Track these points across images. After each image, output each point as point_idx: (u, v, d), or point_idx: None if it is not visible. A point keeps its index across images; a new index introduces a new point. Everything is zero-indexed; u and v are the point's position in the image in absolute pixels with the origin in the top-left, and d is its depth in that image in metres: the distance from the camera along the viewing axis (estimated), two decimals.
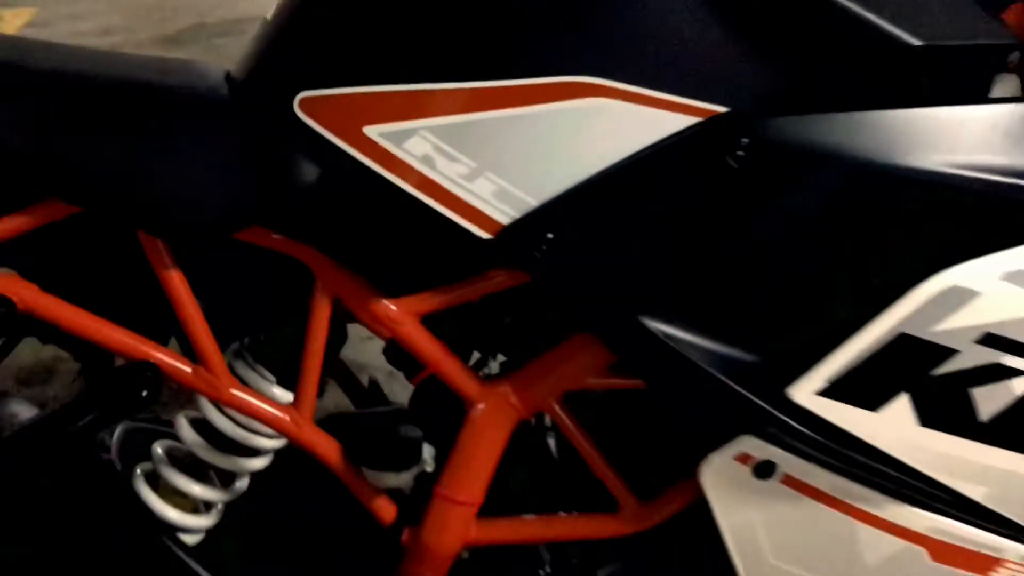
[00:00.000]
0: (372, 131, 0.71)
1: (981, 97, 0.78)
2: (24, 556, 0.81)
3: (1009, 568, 0.82)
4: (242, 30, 4.06)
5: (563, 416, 0.82)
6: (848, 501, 0.77)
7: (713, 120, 0.69)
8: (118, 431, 0.86)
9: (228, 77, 0.79)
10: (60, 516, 0.81)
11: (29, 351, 0.83)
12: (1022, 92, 0.85)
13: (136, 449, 0.85)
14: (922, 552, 0.80)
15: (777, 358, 0.71)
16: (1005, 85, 0.86)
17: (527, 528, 0.86)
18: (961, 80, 0.73)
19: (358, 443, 0.81)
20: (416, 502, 0.82)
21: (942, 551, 0.80)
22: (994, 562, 0.82)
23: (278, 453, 0.87)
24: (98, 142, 0.71)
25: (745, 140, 0.69)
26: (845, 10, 0.66)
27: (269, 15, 0.79)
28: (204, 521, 0.84)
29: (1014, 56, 0.77)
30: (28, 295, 0.74)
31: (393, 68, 0.71)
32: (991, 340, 0.69)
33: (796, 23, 0.68)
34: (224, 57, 3.74)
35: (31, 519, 0.81)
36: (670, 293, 0.73)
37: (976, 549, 0.81)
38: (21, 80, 0.76)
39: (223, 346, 0.79)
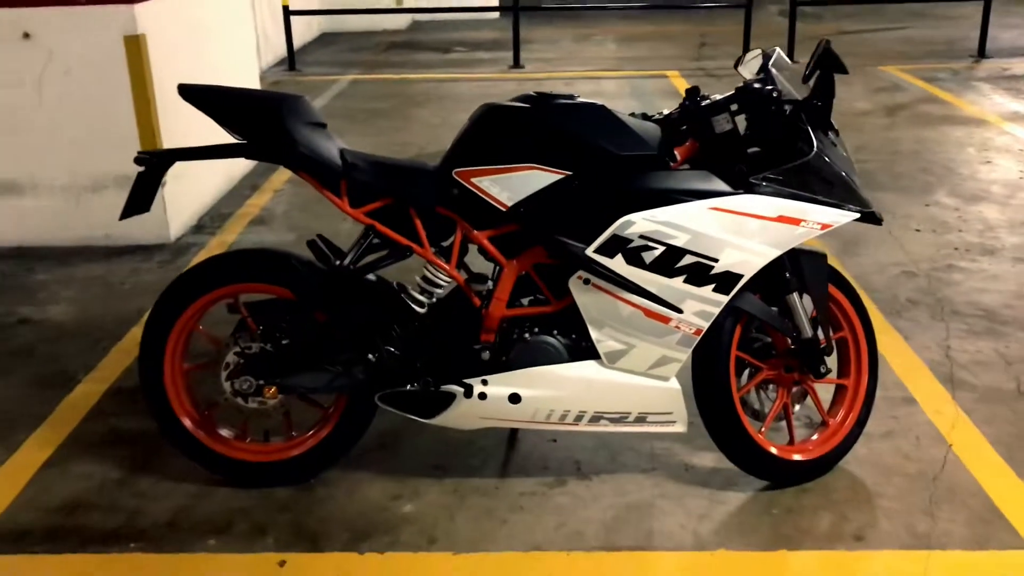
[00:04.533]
0: (475, 180, 2.47)
1: (666, 167, 2.47)
2: (358, 319, 2.58)
3: (676, 322, 2.46)
4: None
5: (534, 273, 2.55)
6: (614, 291, 2.44)
7: (567, 176, 2.42)
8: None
9: (435, 167, 2.59)
10: (367, 298, 2.58)
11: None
12: (690, 167, 2.53)
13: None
14: (640, 312, 2.45)
15: (585, 241, 2.40)
16: (683, 165, 2.55)
17: (517, 311, 2.57)
18: (648, 164, 2.42)
19: (470, 277, 2.56)
20: (486, 299, 2.56)
21: (648, 313, 2.45)
22: (668, 319, 2.46)
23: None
24: (398, 179, 2.51)
25: (576, 182, 2.42)
26: (596, 145, 2.39)
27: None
28: (422, 310, 2.60)
29: (669, 159, 2.46)
30: (378, 228, 2.53)
31: (479, 161, 2.46)
32: (642, 237, 2.37)
33: (575, 149, 2.40)
34: None
35: (358, 301, 2.59)
36: (562, 226, 2.44)
37: (661, 312, 2.45)
38: (371, 162, 2.56)
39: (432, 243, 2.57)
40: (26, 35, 4.35)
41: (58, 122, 4.48)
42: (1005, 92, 7.64)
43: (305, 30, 10.92)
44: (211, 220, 5.05)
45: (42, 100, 4.45)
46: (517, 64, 9.35)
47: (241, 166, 5.75)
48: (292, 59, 9.46)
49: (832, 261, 2.72)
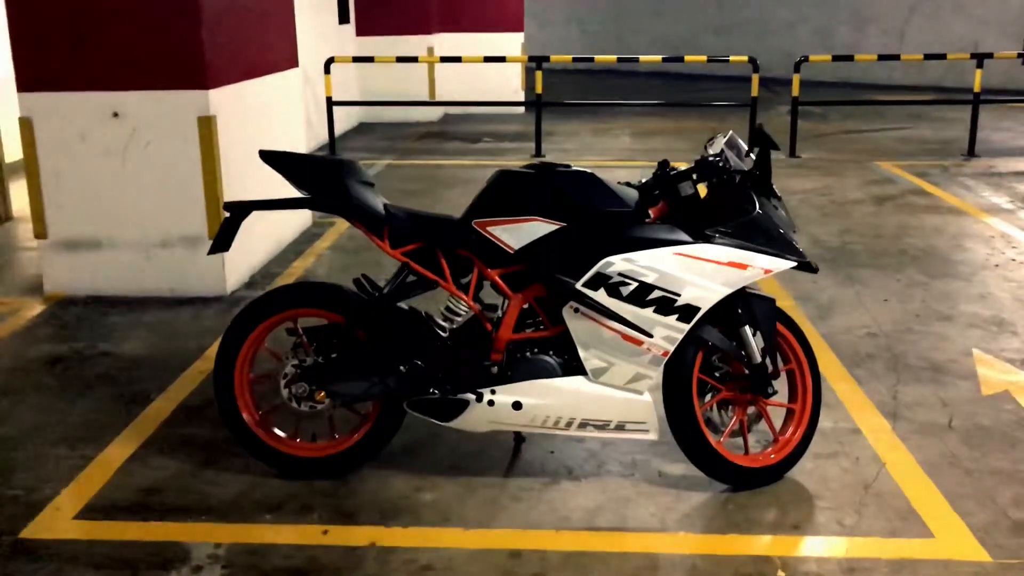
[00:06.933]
0: (489, 228, 3.12)
1: (642, 220, 3.10)
2: (390, 343, 3.20)
3: (647, 345, 3.05)
4: None
5: (535, 304, 3.17)
6: (598, 318, 3.05)
7: (563, 226, 3.06)
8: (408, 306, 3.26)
9: (459, 218, 3.24)
10: (400, 326, 3.20)
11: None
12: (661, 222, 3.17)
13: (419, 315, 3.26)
14: (618, 335, 3.05)
15: (575, 277, 3.03)
16: (656, 220, 3.19)
17: (521, 335, 3.18)
18: (626, 218, 3.06)
19: (485, 307, 3.18)
20: (496, 325, 3.18)
21: (625, 336, 3.05)
22: (641, 342, 3.06)
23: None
24: (429, 227, 3.16)
25: (570, 229, 3.06)
26: (585, 202, 3.05)
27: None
28: (445, 333, 3.21)
29: (644, 215, 3.10)
30: (412, 265, 3.17)
31: (493, 213, 3.11)
32: (620, 274, 3.00)
33: (569, 205, 3.05)
34: None
35: (394, 324, 3.21)
36: (557, 266, 3.07)
37: (635, 336, 3.05)
38: (408, 213, 3.22)
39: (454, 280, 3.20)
40: (115, 114, 5.12)
41: (136, 188, 5.21)
42: (987, 187, 8.28)
43: (345, 119, 11.82)
44: (261, 278, 5.72)
45: (124, 168, 5.19)
46: (539, 154, 10.12)
47: (289, 233, 6.46)
48: (333, 144, 10.30)
49: (805, 322, 3.31)
